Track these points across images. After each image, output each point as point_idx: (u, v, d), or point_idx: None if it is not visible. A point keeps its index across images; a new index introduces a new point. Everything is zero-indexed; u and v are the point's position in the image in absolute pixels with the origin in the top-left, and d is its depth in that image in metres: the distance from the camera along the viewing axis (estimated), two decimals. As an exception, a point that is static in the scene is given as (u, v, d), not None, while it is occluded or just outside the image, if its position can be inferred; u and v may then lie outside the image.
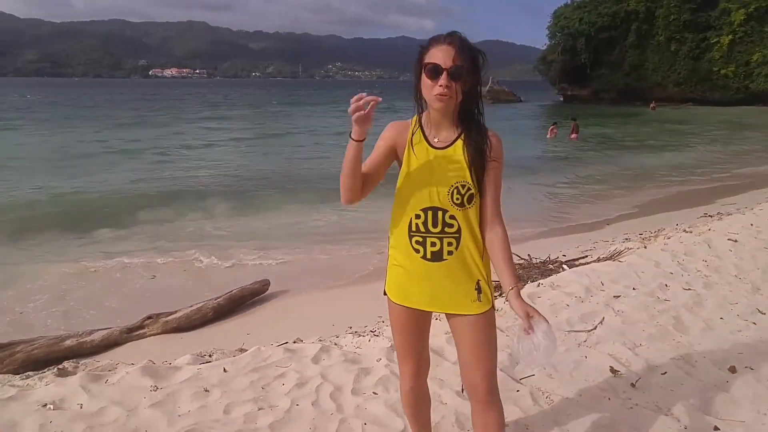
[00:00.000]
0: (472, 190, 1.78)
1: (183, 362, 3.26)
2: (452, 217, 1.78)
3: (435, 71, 1.67)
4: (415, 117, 1.85)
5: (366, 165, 1.81)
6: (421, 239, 1.81)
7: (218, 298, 5.24)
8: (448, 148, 1.79)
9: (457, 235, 1.80)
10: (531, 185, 12.38)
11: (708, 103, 49.90)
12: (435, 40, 1.71)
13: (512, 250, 1.88)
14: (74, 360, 3.66)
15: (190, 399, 2.76)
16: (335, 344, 3.55)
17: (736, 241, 5.69)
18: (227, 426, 2.52)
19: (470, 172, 1.76)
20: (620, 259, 5.20)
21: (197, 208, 10.04)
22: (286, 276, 6.28)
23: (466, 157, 1.76)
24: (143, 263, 6.74)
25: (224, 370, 3.07)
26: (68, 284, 6.06)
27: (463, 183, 1.76)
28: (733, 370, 3.07)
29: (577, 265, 5.27)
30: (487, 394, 1.88)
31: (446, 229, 1.79)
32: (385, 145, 1.83)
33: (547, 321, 1.74)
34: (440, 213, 1.78)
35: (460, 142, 1.79)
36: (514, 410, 2.64)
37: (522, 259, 5.74)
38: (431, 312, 1.94)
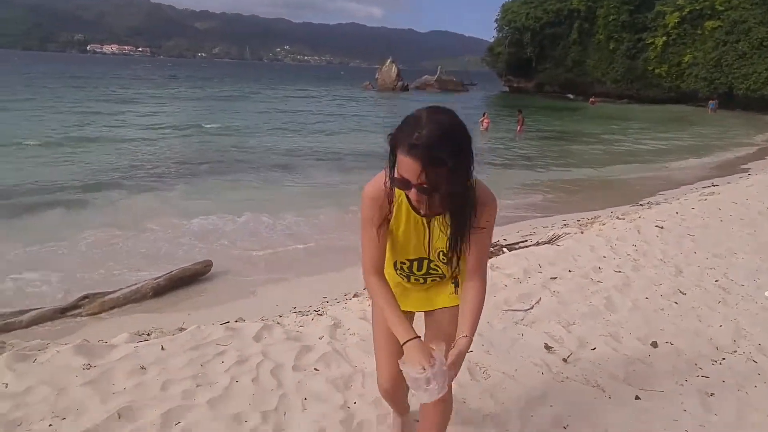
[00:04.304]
0: (456, 255, 1.75)
1: (119, 341, 3.13)
2: (437, 266, 1.84)
3: (406, 184, 1.51)
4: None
5: (377, 256, 1.76)
6: (405, 275, 1.91)
7: (158, 278, 5.06)
8: (434, 218, 1.72)
9: (441, 276, 1.89)
10: (478, 174, 12.57)
11: (643, 101, 52.33)
12: (402, 140, 1.46)
13: None
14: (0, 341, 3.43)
15: (125, 377, 2.67)
16: (278, 323, 3.53)
17: (662, 227, 6.06)
18: (164, 402, 2.47)
19: (452, 242, 1.70)
20: (558, 244, 5.43)
21: (145, 188, 9.62)
22: (230, 258, 6.13)
23: (449, 231, 1.69)
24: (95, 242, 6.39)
25: (162, 348, 2.98)
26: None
27: (445, 252, 1.75)
28: (654, 345, 3.29)
29: (517, 249, 5.45)
30: None
31: (431, 271, 1.86)
32: (377, 225, 1.72)
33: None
34: (426, 262, 1.83)
35: (446, 215, 1.69)
36: (452, 385, 2.72)
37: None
38: (414, 314, 2.00)
